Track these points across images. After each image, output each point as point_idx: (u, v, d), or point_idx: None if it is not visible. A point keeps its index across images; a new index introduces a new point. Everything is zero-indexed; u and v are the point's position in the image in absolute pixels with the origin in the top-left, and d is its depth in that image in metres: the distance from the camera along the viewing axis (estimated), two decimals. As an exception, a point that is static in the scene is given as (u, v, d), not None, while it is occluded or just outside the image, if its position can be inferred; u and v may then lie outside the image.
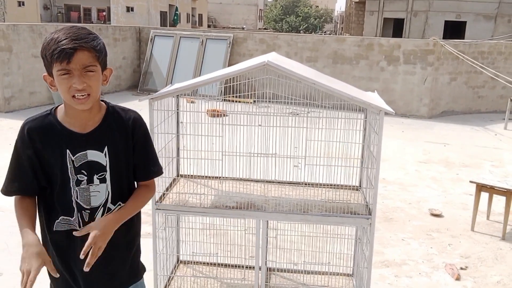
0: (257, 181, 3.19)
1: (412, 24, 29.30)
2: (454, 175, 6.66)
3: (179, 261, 3.45)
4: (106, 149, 1.84)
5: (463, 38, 23.77)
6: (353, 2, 35.74)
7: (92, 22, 37.53)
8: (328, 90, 2.54)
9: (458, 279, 3.83)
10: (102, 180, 1.84)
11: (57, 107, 1.86)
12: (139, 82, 12.48)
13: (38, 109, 9.86)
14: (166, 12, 39.79)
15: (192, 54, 11.94)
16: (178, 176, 3.24)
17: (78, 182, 1.81)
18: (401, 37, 25.64)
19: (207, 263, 3.45)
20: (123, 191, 1.91)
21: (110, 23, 35.95)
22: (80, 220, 1.83)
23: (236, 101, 2.95)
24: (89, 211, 1.83)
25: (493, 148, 8.29)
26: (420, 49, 10.44)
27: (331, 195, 3.04)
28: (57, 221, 1.83)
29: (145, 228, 4.43)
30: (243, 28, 43.66)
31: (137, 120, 1.92)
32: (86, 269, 1.67)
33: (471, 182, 4.79)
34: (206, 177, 3.22)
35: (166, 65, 12.12)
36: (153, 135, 2.67)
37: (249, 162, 3.02)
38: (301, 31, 47.52)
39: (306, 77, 2.53)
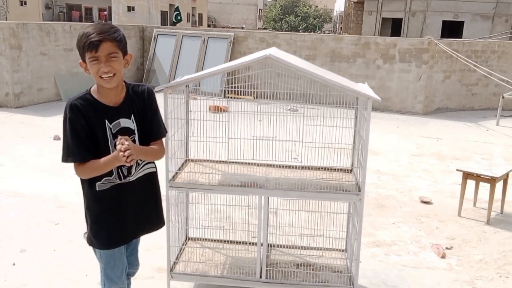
0: (259, 164, 3.53)
1: (410, 24, 29.64)
2: (445, 167, 7.00)
3: (188, 238, 3.78)
4: (132, 116, 2.39)
5: (461, 38, 24.12)
6: (352, 2, 36.08)
7: (93, 22, 37.88)
8: (323, 80, 2.88)
9: (443, 257, 4.17)
10: (133, 141, 2.34)
11: (90, 88, 2.36)
12: (142, 79, 12.80)
13: (46, 105, 10.20)
14: (167, 11, 40.14)
15: (194, 53, 12.27)
16: (187, 160, 3.57)
17: (116, 145, 2.25)
18: (399, 36, 25.92)
19: (213, 240, 3.78)
20: None
21: (111, 22, 36.23)
22: (119, 175, 2.38)
23: (237, 98, 3.29)
24: (126, 167, 2.37)
25: (484, 142, 8.63)
26: (415, 47, 10.78)
27: (326, 176, 3.38)
28: (98, 183, 2.36)
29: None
30: (242, 28, 43.98)
31: (149, 90, 2.49)
32: (129, 163, 2.18)
33: (458, 170, 5.13)
34: (212, 161, 3.56)
35: (169, 63, 12.45)
36: (167, 120, 3.01)
37: (252, 147, 3.36)
38: (300, 31, 47.81)
39: (304, 68, 2.86)
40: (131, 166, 2.39)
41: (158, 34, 12.81)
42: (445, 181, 6.33)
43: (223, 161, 3.55)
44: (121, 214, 2.44)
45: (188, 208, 3.66)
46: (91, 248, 2.55)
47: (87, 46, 2.16)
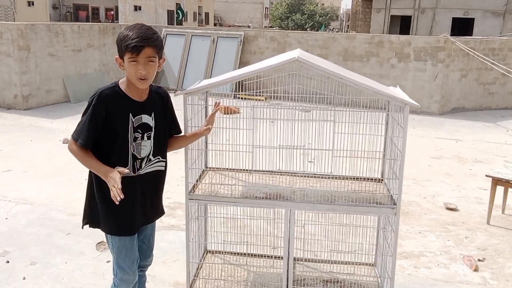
0: (282, 173, 3.31)
1: (420, 21, 29.30)
2: (467, 170, 6.75)
3: (206, 251, 3.57)
4: (153, 114, 2.54)
5: (471, 35, 23.77)
6: (360, 0, 35.77)
7: (100, 21, 37.77)
8: (355, 84, 2.65)
9: (476, 270, 3.93)
10: (149, 138, 2.53)
11: (118, 81, 2.49)
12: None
13: (54, 106, 10.04)
14: (173, 10, 39.98)
15: (204, 52, 12.07)
16: (206, 168, 3.36)
17: (135, 139, 2.48)
18: (408, 34, 25.61)
19: (233, 253, 3.56)
20: (160, 147, 2.61)
21: (118, 22, 36.16)
22: (133, 168, 2.49)
23: (248, 99, 3.06)
24: (139, 160, 2.51)
25: (505, 144, 8.36)
26: (430, 46, 10.51)
27: (355, 186, 3.15)
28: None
29: (168, 220, 4.57)
30: (249, 27, 43.76)
31: (168, 94, 2.71)
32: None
33: (487, 176, 4.89)
34: (233, 169, 3.34)
35: (178, 63, 12.25)
36: (186, 128, 2.80)
37: (274, 154, 3.14)
38: (308, 29, 47.53)
39: (334, 72, 2.64)
40: (142, 161, 2.53)
41: (167, 34, 12.61)
42: (469, 186, 6.08)
43: (244, 170, 3.33)
44: (130, 204, 2.51)
45: (207, 220, 3.45)
46: (104, 260, 2.68)
47: (130, 48, 2.30)
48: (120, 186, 2.28)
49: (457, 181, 6.27)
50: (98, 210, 2.55)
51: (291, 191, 3.02)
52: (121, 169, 2.37)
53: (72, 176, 5.71)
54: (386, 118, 3.25)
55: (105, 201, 2.48)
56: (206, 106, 3.22)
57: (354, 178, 3.26)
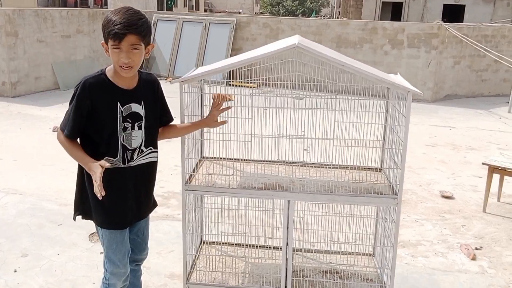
0: (280, 163, 3.24)
1: (411, 8, 29.18)
2: (461, 158, 6.73)
3: (203, 242, 3.50)
4: (143, 103, 2.42)
5: (462, 22, 23.71)
6: (352, -14, 35.51)
7: (88, 7, 37.13)
8: (357, 72, 2.58)
9: (474, 259, 3.90)
10: (140, 127, 2.42)
11: (105, 68, 2.37)
12: (141, 67, 12.42)
13: (43, 94, 9.87)
14: (163, -4, 39.43)
15: (195, 39, 11.90)
16: (202, 157, 3.28)
17: (125, 129, 2.36)
18: (399, 20, 25.51)
19: (230, 244, 3.50)
20: (152, 137, 2.50)
21: (107, 7, 35.62)
22: (123, 159, 2.39)
23: (239, 85, 2.96)
24: (130, 151, 2.41)
25: (498, 131, 8.35)
26: (424, 32, 10.44)
27: (354, 176, 3.09)
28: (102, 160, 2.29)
29: (163, 210, 4.49)
30: (239, 13, 43.35)
31: (158, 80, 2.59)
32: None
33: (483, 164, 4.85)
34: (229, 159, 3.26)
35: (169, 50, 12.08)
36: (183, 117, 2.71)
37: (277, 144, 3.07)
38: (299, 15, 47.23)
39: (336, 59, 2.56)
40: (134, 152, 2.42)
41: (157, 20, 12.42)
42: (464, 173, 6.06)
43: (241, 160, 3.25)
44: (120, 197, 2.45)
45: (203, 210, 3.38)
46: (97, 252, 2.62)
47: (112, 35, 2.17)
48: (99, 182, 2.15)
49: (452, 168, 6.25)
50: (89, 201, 2.46)
51: (289, 181, 2.95)
52: (102, 162, 2.23)
53: (63, 165, 5.59)
54: (386, 106, 3.19)
55: (93, 192, 2.36)
56: (202, 95, 3.13)
57: (353, 168, 3.20)
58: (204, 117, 2.81)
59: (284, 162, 3.25)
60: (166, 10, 32.22)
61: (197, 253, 3.29)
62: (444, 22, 10.44)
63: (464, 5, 27.67)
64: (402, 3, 29.28)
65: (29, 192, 4.94)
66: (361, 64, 2.91)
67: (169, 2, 34.64)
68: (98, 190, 2.16)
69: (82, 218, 2.58)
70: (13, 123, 7.57)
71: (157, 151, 2.56)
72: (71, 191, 4.90)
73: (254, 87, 2.81)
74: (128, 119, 2.37)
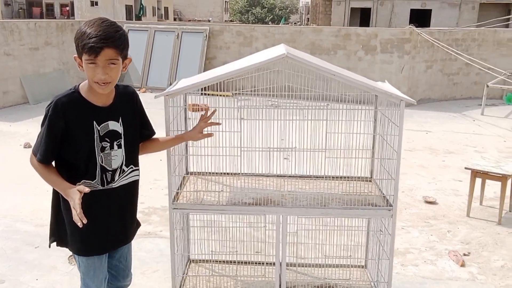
0: (268, 176, 3.15)
1: (379, 13, 29.64)
2: (440, 162, 6.76)
3: (190, 261, 3.37)
4: (120, 119, 2.25)
5: (429, 26, 24.16)
6: (320, -7, 35.86)
7: (55, 18, 36.50)
8: (348, 81, 2.51)
9: (463, 265, 3.88)
10: (119, 146, 2.25)
11: (78, 85, 2.20)
12: (113, 78, 12.20)
13: (12, 109, 9.55)
14: (132, 5, 39.06)
15: (168, 48, 11.75)
16: (187, 173, 3.16)
17: (103, 149, 2.20)
18: (368, 26, 25.85)
19: (218, 261, 3.38)
20: (133, 155, 2.34)
21: (74, 18, 35.07)
22: (101, 181, 2.22)
23: (216, 95, 2.85)
24: (110, 173, 2.24)
25: (473, 133, 8.45)
26: (396, 37, 10.54)
27: (345, 187, 3.02)
28: (78, 184, 2.16)
29: (144, 227, 4.33)
30: (209, 21, 43.26)
31: (136, 93, 2.42)
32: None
33: (466, 168, 4.86)
34: (216, 173, 3.15)
35: (142, 60, 11.89)
36: (168, 131, 2.59)
37: (265, 157, 2.97)
38: (269, 23, 47.47)
39: (326, 68, 2.49)
40: (114, 173, 2.26)
41: (128, 30, 12.20)
42: (444, 178, 6.08)
43: (227, 174, 3.14)
44: (100, 222, 2.28)
45: (189, 228, 3.25)
46: (78, 275, 2.34)
47: (87, 49, 2.00)
48: (79, 209, 2.01)
49: (432, 173, 6.26)
50: (65, 227, 2.29)
51: (279, 194, 2.86)
52: (81, 187, 2.08)
53: (37, 183, 5.34)
54: (374, 114, 3.13)
55: (69, 217, 2.20)
56: (185, 108, 3.01)
57: (342, 178, 3.13)
58: (188, 130, 2.68)
59: (272, 175, 3.16)
60: (135, 20, 31.89)
61: (184, 273, 3.15)
62: (416, 27, 10.55)
63: (431, 10, 28.26)
64: (370, 8, 29.72)
65: (2, 214, 4.71)
66: (349, 73, 2.85)
67: (139, 12, 34.35)
68: (78, 218, 2.01)
69: (57, 245, 2.40)
70: (-19, 140, 7.27)
71: (138, 169, 2.40)
72: (47, 211, 4.68)
73: (229, 96, 2.68)
74: (106, 138, 2.21)
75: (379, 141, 3.04)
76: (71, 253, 3.85)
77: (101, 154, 2.20)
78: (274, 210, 2.69)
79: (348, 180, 3.11)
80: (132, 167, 2.34)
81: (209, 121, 2.54)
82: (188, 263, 3.34)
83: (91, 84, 2.12)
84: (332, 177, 3.10)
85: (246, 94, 2.95)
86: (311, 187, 3.03)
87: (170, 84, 3.20)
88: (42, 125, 2.15)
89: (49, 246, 2.46)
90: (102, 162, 2.21)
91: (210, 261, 3.38)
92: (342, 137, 2.90)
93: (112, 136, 2.22)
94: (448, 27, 15.43)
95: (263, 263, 3.39)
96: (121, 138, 2.26)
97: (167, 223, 4.55)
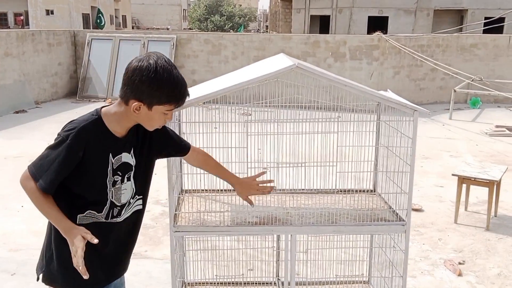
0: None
1: (338, 21, 30.03)
2: (419, 168, 6.76)
3: (185, 284, 3.17)
4: (132, 150, 2.04)
5: (386, 33, 24.67)
6: (279, 1, 36.10)
7: (9, 27, 35.23)
8: (360, 92, 2.40)
9: (460, 274, 3.83)
10: (128, 179, 2.04)
11: (101, 109, 1.97)
12: (77, 89, 11.78)
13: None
14: (89, 14, 38.18)
15: (134, 57, 11.41)
16: (182, 192, 2.96)
17: (114, 183, 1.99)
18: (327, 33, 26.15)
19: (214, 283, 3.19)
20: (143, 187, 2.13)
21: (28, 27, 33.96)
22: (107, 215, 2.01)
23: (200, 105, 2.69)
24: (119, 208, 2.03)
25: (446, 138, 8.56)
26: (365, 44, 10.61)
27: (348, 201, 2.90)
28: (81, 215, 1.97)
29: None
30: (167, 29, 42.79)
31: None
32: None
33: (453, 175, 4.84)
34: (211, 190, 2.97)
35: (106, 70, 11.53)
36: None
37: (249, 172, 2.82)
38: (230, 31, 47.44)
39: (338, 78, 2.36)
40: (122, 208, 2.05)
41: (92, 39, 11.83)
42: (425, 184, 6.08)
43: (224, 190, 2.96)
44: (98, 257, 2.05)
45: (185, 251, 3.05)
46: None
47: (175, 101, 1.90)
48: (82, 262, 1.81)
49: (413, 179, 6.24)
50: (55, 263, 2.03)
51: (284, 212, 2.70)
52: (88, 235, 1.85)
53: (6, 204, 5.02)
54: (377, 125, 3.04)
55: (64, 256, 1.97)
56: (180, 124, 2.82)
57: (343, 191, 3.01)
58: (242, 179, 2.47)
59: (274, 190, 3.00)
60: (94, 29, 31.15)
61: (183, 299, 2.95)
62: (384, 33, 10.66)
63: (388, 17, 28.85)
64: (329, 16, 30.10)
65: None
66: (354, 82, 2.74)
67: (97, 22, 33.61)
68: (82, 272, 1.81)
69: (46, 284, 2.09)
70: None
71: (141, 198, 2.14)
72: (20, 234, 4.41)
73: (200, 105, 2.52)
74: (118, 172, 1.99)
75: (383, 152, 2.94)
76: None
77: (112, 189, 1.99)
78: (283, 229, 2.53)
79: (351, 193, 2.99)
80: (136, 197, 2.11)
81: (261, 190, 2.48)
82: (183, 287, 3.13)
83: (147, 127, 1.99)
84: (335, 191, 2.97)
85: (246, 106, 2.80)
86: (314, 202, 2.88)
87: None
88: (53, 148, 1.89)
89: (37, 279, 2.17)
90: (112, 198, 2.00)
91: (206, 283, 3.19)
92: (343, 149, 2.80)
93: (124, 168, 2.01)
94: (404, 33, 15.71)
95: (261, 283, 3.23)
96: (132, 170, 2.04)
97: (151, 242, 4.34)
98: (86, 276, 1.82)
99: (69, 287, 2.07)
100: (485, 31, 14.58)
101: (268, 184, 2.51)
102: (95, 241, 1.83)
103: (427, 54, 11.37)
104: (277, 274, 3.27)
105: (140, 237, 4.41)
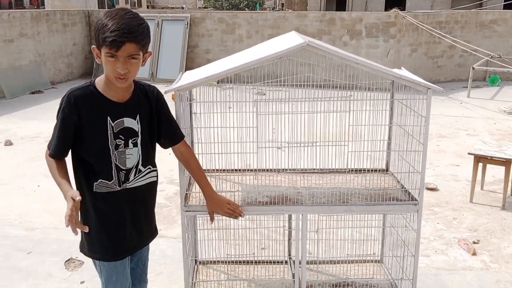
0: (274, 170, 2.98)
1: (355, -2, 29.54)
2: (435, 147, 6.68)
3: (198, 262, 3.20)
4: (138, 117, 2.13)
5: (404, 9, 24.18)
6: (296, -23, 35.52)
7: (24, 8, 35.36)
8: (372, 69, 2.35)
9: (474, 254, 3.79)
10: (135, 145, 2.13)
11: (94, 80, 2.09)
12: (92, 69, 11.82)
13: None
14: (104, -7, 38.06)
15: (148, 37, 11.40)
16: (193, 172, 2.96)
17: (117, 146, 2.08)
18: (344, 10, 25.72)
19: (227, 262, 3.21)
20: (150, 155, 2.22)
21: (44, 8, 34.03)
22: (119, 181, 2.11)
23: (211, 85, 2.66)
24: (124, 172, 2.12)
25: (463, 116, 8.42)
26: (382, 21, 10.42)
27: (360, 180, 2.88)
28: (95, 183, 2.08)
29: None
30: (182, 8, 42.51)
31: (159, 92, 2.25)
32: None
33: (469, 154, 4.77)
34: (222, 170, 2.97)
35: (121, 50, 11.53)
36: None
37: (276, 153, 2.80)
38: (245, 9, 46.96)
39: (350, 55, 2.32)
40: (129, 172, 2.14)
41: (106, 19, 11.81)
42: (441, 163, 6.01)
43: (235, 171, 2.96)
44: (117, 224, 2.19)
45: (197, 230, 3.07)
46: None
47: (108, 43, 1.88)
48: (73, 220, 1.88)
49: (429, 158, 6.17)
50: (83, 233, 2.20)
51: (295, 191, 2.69)
52: (74, 193, 1.93)
53: (23, 183, 5.10)
54: (390, 104, 2.99)
55: (89, 220, 2.14)
56: (190, 104, 2.81)
57: (357, 171, 2.98)
58: (216, 196, 2.44)
59: (283, 170, 2.99)
60: (108, 9, 31.09)
61: (193, 279, 2.97)
62: (401, 10, 10.45)
63: (406, -7, 28.25)
64: (346, -7, 29.58)
65: (-11, 218, 4.45)
66: (367, 60, 2.69)
67: (112, 1, 33.54)
68: (73, 229, 1.90)
69: (80, 251, 2.29)
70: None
71: (156, 170, 2.28)
72: (36, 213, 4.48)
73: (214, 85, 2.49)
74: (120, 136, 2.09)
75: (396, 131, 2.90)
76: (67, 257, 3.68)
77: (115, 152, 2.09)
78: (294, 209, 2.53)
79: (364, 173, 2.96)
80: (150, 168, 2.22)
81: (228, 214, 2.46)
82: (196, 265, 3.16)
83: (110, 78, 2.00)
84: (348, 170, 2.94)
85: (258, 84, 2.77)
86: (325, 181, 2.87)
87: (152, 74, 2.98)
88: (56, 118, 2.07)
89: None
90: (116, 161, 2.10)
91: (218, 262, 3.21)
92: (356, 128, 2.76)
93: (128, 133, 2.11)
94: (423, 10, 15.36)
95: (273, 262, 3.25)
96: (138, 137, 2.14)
97: (165, 221, 4.38)
98: (75, 232, 1.90)
99: (93, 253, 2.22)
100: (505, 7, 14.22)
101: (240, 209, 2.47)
102: (78, 198, 1.89)
103: (445, 31, 11.14)
104: (289, 253, 3.29)
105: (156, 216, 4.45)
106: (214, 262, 3.23)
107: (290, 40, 2.53)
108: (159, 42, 11.27)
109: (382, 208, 2.54)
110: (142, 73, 11.06)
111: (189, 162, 2.35)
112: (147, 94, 2.19)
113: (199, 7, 55.31)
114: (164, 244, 3.96)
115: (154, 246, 3.91)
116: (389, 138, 3.01)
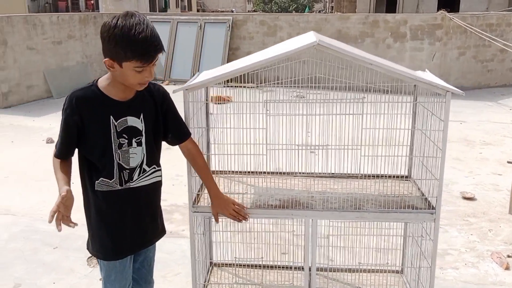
0: (295, 175, 2.90)
1: (406, 0, 28.86)
2: (477, 154, 6.40)
3: (212, 264, 3.17)
4: (142, 116, 2.11)
5: (458, 11, 23.38)
6: (345, -20, 35.13)
7: (80, 11, 36.72)
8: (387, 71, 2.25)
9: (507, 268, 3.58)
10: (139, 144, 2.12)
11: (97, 79, 2.10)
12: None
13: (36, 103, 9.51)
14: (156, -3, 38.98)
15: (191, 40, 11.55)
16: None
17: (120, 145, 2.08)
18: (394, 12, 25.18)
19: (242, 265, 3.17)
20: (155, 155, 2.20)
21: (98, 11, 35.23)
22: (120, 180, 2.10)
23: (240, 87, 2.62)
24: (128, 171, 2.12)
25: (511, 123, 8.02)
26: (427, 24, 10.10)
27: (379, 186, 2.76)
28: (97, 181, 2.09)
29: (167, 226, 4.13)
30: (232, 11, 42.93)
31: (165, 91, 2.23)
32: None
33: (509, 162, 4.52)
34: (236, 172, 2.93)
35: (164, 53, 11.73)
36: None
37: (290, 155, 2.73)
38: (293, 12, 46.89)
39: (363, 56, 2.23)
40: (133, 172, 2.13)
41: (151, 22, 12.03)
42: (483, 171, 5.73)
43: (249, 173, 2.91)
44: (117, 224, 2.18)
45: (211, 232, 3.04)
46: (97, 278, 2.41)
47: (138, 57, 1.89)
48: (58, 216, 1.95)
49: (469, 166, 5.91)
50: (90, 232, 2.25)
51: (308, 196, 2.62)
52: (64, 189, 1.98)
53: (52, 179, 5.23)
54: (413, 107, 2.86)
55: (91, 225, 2.21)
56: (206, 103, 2.79)
57: (376, 176, 2.87)
58: (222, 196, 2.41)
59: (298, 173, 2.92)
60: (159, 12, 31.82)
61: (206, 281, 2.94)
62: (448, 12, 10.09)
63: (460, -6, 27.35)
64: (397, -5, 28.96)
65: (22, 212, 4.59)
66: (384, 61, 2.58)
67: (164, 5, 34.31)
68: (56, 224, 1.96)
69: (87, 249, 2.35)
70: (4, 136, 7.21)
71: (160, 169, 2.27)
72: (67, 209, 4.58)
73: (254, 87, 2.46)
74: (124, 135, 2.09)
75: (419, 136, 2.77)
76: (89, 255, 3.74)
77: (118, 151, 2.09)
78: (302, 213, 2.45)
79: (383, 178, 2.84)
80: (154, 167, 2.22)
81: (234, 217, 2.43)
82: (210, 267, 3.14)
83: (132, 86, 2.03)
84: (366, 176, 2.84)
85: (271, 86, 2.71)
86: (342, 187, 2.77)
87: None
88: (61, 119, 2.11)
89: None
90: (119, 160, 2.10)
91: (234, 265, 3.17)
92: (376, 132, 2.64)
93: (131, 132, 2.10)
94: (478, 11, 14.81)
95: (290, 268, 3.17)
96: (142, 136, 2.13)
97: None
98: (59, 229, 1.95)
99: (95, 252, 2.25)
100: None
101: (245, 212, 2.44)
102: (63, 194, 1.94)
103: (496, 34, 10.67)
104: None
105: (179, 217, 4.47)
106: (229, 264, 3.19)
107: (304, 40, 2.46)
108: (202, 45, 11.39)
109: (396, 216, 2.42)
110: (184, 75, 11.21)
111: (196, 159, 2.32)
112: (152, 92, 2.17)
113: (248, 11, 55.73)
114: (186, 244, 3.94)
115: (176, 246, 3.93)
116: (411, 143, 2.87)
